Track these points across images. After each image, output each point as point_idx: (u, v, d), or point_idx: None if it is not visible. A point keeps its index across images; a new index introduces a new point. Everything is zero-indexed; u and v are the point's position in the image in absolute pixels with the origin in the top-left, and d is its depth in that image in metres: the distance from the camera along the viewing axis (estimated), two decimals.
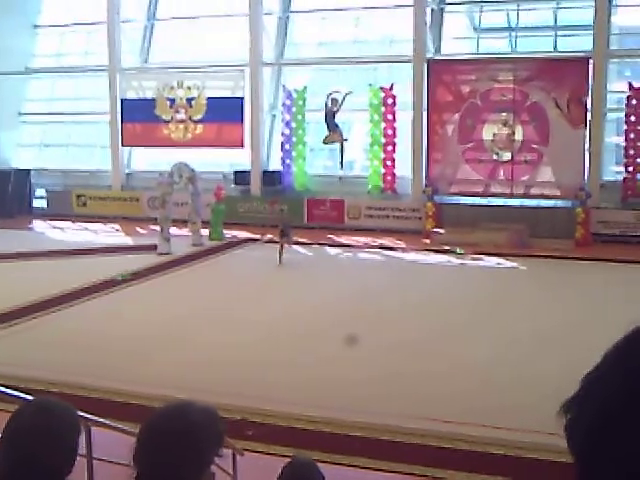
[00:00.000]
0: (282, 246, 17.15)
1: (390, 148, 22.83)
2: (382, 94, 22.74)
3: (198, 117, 24.96)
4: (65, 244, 20.61)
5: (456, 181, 22.13)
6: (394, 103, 22.70)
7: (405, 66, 22.71)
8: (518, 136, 21.33)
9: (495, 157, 21.67)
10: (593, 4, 20.67)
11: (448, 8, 23.57)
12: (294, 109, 23.75)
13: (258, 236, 21.01)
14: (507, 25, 22.99)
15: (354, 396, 9.10)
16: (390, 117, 22.75)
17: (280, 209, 17.91)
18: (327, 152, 24.64)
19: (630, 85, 20.55)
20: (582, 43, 21.37)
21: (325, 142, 23.80)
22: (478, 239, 19.69)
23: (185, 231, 20.83)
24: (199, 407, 2.23)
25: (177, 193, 20.34)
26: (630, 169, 20.51)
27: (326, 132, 23.51)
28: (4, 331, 12.07)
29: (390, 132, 22.80)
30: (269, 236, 16.28)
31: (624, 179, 20.64)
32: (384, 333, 11.78)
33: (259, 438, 7.81)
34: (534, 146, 21.25)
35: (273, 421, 8.33)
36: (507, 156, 21.50)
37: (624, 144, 20.68)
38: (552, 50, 21.94)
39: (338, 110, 23.28)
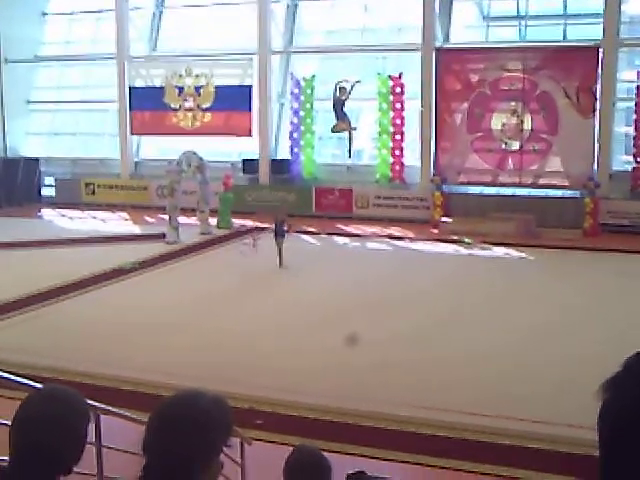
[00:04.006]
0: (280, 249, 15.97)
1: (398, 137, 22.78)
2: (391, 83, 22.67)
3: (206, 105, 24.94)
4: (73, 233, 20.67)
5: (464, 170, 22.08)
6: (402, 92, 22.62)
7: (414, 55, 22.62)
8: (527, 125, 21.25)
9: (504, 146, 21.60)
10: None
11: None
12: (302, 97, 23.71)
13: (266, 224, 21.02)
14: (516, 14, 22.85)
15: (362, 384, 9.13)
16: (398, 106, 22.68)
17: (280, 205, 16.72)
18: (335, 141, 24.61)
19: None
20: (592, 32, 21.23)
21: (333, 131, 23.78)
22: (486, 229, 19.66)
23: (193, 220, 20.85)
24: (209, 396, 2.24)
25: (185, 182, 20.35)
26: (639, 159, 20.42)
27: (334, 121, 23.49)
28: (12, 319, 12.14)
29: (398, 121, 22.74)
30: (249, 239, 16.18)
31: (633, 169, 20.54)
32: (391, 322, 11.80)
33: (267, 427, 7.84)
34: (543, 136, 21.17)
35: (281, 410, 8.35)
36: (516, 145, 21.44)
37: (634, 134, 20.56)
38: (562, 39, 21.82)
39: (347, 99, 23.24)
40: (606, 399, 1.33)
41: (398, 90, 22.64)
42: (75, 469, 2.38)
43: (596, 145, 20.67)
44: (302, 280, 15.26)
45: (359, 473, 3.84)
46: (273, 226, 16.31)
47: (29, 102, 28.19)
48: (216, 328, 11.65)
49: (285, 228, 16.24)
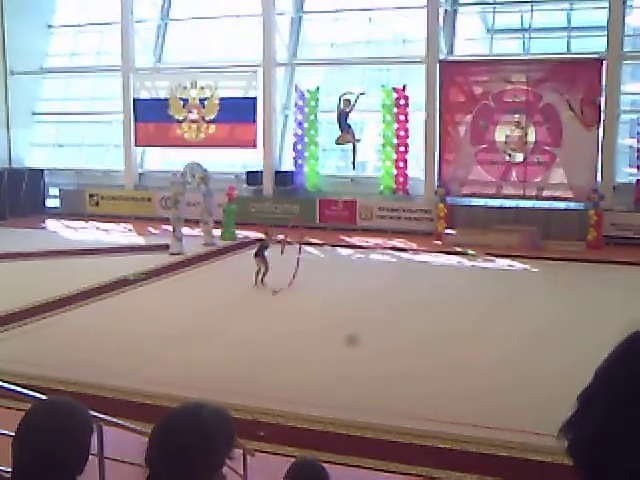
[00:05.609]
0: (259, 268, 15.29)
1: (402, 149, 22.79)
2: (395, 95, 22.71)
3: (211, 117, 25.00)
4: (78, 243, 20.68)
5: (468, 182, 22.07)
6: (406, 104, 22.65)
7: (418, 67, 22.67)
8: (531, 137, 21.26)
9: (507, 158, 21.60)
10: (607, 5, 20.60)
11: (461, 9, 23.53)
12: (306, 109, 23.75)
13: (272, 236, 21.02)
14: (520, 26, 22.91)
15: (365, 396, 9.11)
16: (402, 118, 22.72)
17: (265, 231, 16.42)
18: (339, 153, 24.63)
19: None
20: (596, 44, 21.26)
21: (337, 143, 23.80)
22: (490, 241, 19.65)
23: (197, 231, 20.89)
24: (211, 408, 2.25)
25: (189, 193, 20.38)
26: None
27: (338, 132, 23.52)
28: (16, 330, 12.14)
29: (402, 133, 22.76)
30: (280, 236, 16.19)
31: (637, 181, 20.52)
32: (395, 333, 11.78)
33: (270, 439, 7.82)
34: (547, 148, 21.18)
35: (284, 421, 8.34)
36: (520, 157, 21.44)
37: (638, 146, 20.58)
38: (565, 51, 21.85)
39: (351, 111, 23.28)
40: (571, 439, 1.40)
41: (402, 102, 22.67)
42: None
43: (600, 157, 20.67)
44: (305, 291, 15.23)
45: None
46: (259, 246, 15.76)
47: (34, 113, 28.28)
48: (220, 339, 11.64)
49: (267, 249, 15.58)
